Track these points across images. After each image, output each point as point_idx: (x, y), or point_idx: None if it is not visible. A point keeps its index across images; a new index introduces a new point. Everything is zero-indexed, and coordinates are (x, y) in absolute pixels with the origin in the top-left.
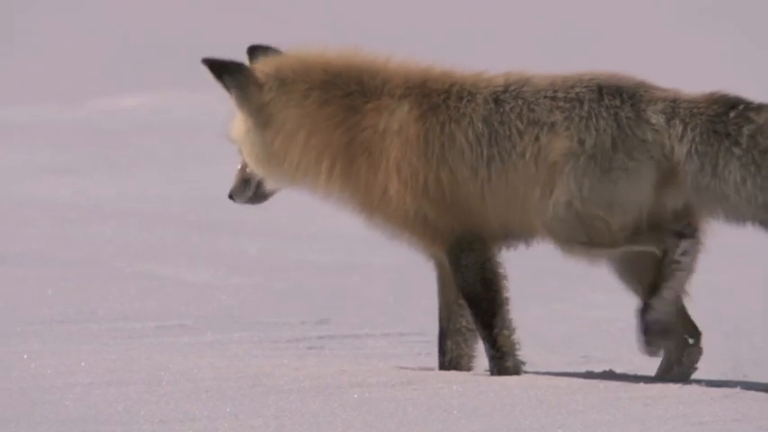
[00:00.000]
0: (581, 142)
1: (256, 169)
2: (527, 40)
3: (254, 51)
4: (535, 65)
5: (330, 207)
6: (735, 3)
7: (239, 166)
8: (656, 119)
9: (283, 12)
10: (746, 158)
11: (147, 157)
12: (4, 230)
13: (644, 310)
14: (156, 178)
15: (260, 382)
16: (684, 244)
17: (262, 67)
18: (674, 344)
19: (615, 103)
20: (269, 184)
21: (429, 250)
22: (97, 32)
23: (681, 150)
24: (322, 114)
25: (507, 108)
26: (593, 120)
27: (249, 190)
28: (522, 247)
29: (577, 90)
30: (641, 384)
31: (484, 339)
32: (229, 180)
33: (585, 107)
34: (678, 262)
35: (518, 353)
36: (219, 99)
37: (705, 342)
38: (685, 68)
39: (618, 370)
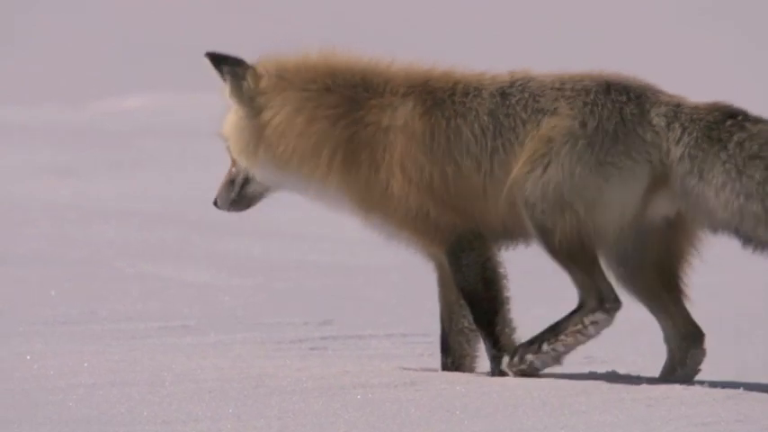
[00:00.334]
0: (583, 124)
1: (244, 159)
2: (527, 40)
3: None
4: (535, 65)
5: (322, 208)
6: (735, 3)
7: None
8: (658, 121)
9: (283, 12)
10: (730, 163)
11: (148, 157)
12: (6, 231)
13: (527, 347)
14: (157, 179)
15: (263, 383)
16: (599, 315)
17: (262, 63)
18: (676, 346)
19: (621, 98)
20: (257, 175)
21: (428, 250)
22: (98, 33)
23: (676, 153)
24: (324, 102)
25: (513, 101)
26: (598, 107)
27: (233, 191)
28: (524, 248)
29: (585, 83)
30: (644, 385)
31: (485, 339)
32: None
33: (591, 96)
34: (585, 327)
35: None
36: (221, 100)
37: (708, 343)
38: (685, 68)
39: (621, 371)
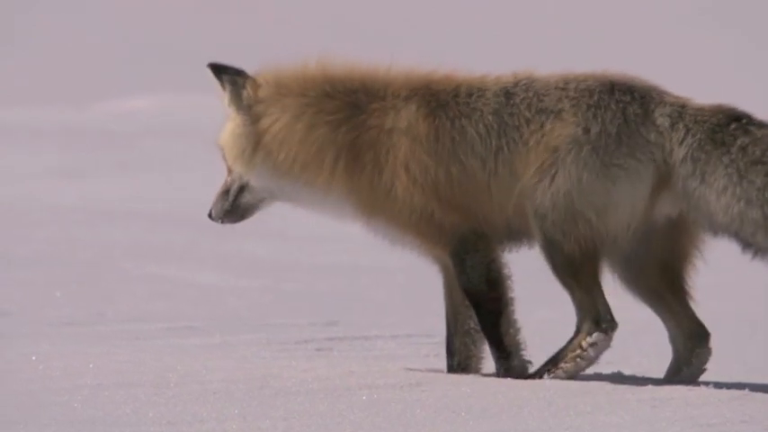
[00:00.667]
0: (586, 130)
1: (239, 165)
2: (527, 40)
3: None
4: (535, 65)
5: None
6: (735, 3)
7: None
8: (662, 121)
9: (284, 12)
10: (732, 167)
11: (154, 158)
12: (13, 233)
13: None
14: (163, 180)
15: (268, 384)
16: (598, 336)
17: (262, 73)
18: (682, 345)
19: (625, 98)
20: (253, 182)
21: (432, 252)
22: (100, 34)
23: (679, 154)
24: (324, 108)
25: (518, 100)
26: (601, 110)
27: (227, 201)
28: (528, 250)
29: (589, 83)
30: (649, 386)
31: (489, 340)
32: None
33: (595, 97)
34: (584, 350)
35: (523, 352)
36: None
37: (713, 344)
38: (685, 68)
39: (626, 372)
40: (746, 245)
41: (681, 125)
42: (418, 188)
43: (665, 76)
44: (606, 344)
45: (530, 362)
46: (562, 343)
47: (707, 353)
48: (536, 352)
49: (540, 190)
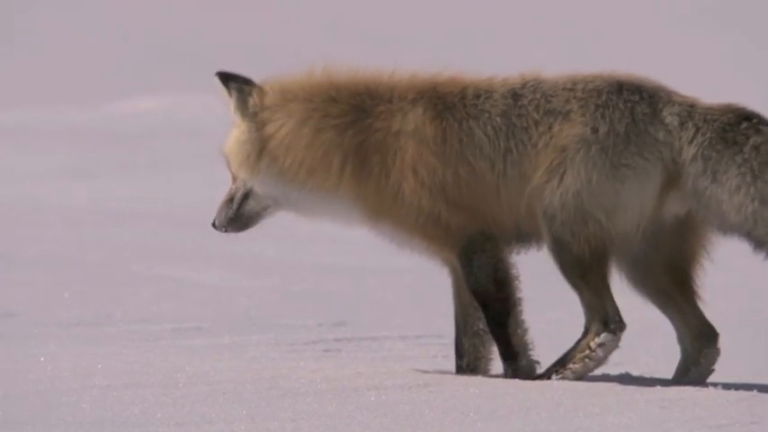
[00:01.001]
0: (594, 130)
1: (243, 171)
2: (527, 40)
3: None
4: (535, 65)
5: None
6: (735, 3)
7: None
8: (671, 120)
9: (284, 12)
10: (745, 167)
11: (162, 159)
12: (20, 234)
13: (547, 375)
14: (171, 181)
15: (276, 385)
16: (606, 336)
17: (269, 82)
18: (690, 346)
19: (634, 98)
20: (258, 189)
21: (440, 254)
22: (104, 35)
23: (688, 152)
24: (330, 112)
25: (525, 102)
26: (609, 109)
27: (231, 209)
28: (537, 251)
29: (597, 83)
30: (658, 387)
31: (497, 340)
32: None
33: (603, 97)
34: (592, 351)
35: (531, 353)
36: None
37: (721, 345)
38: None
39: (634, 373)
40: (759, 245)
41: (690, 124)
42: (426, 190)
43: (665, 76)
44: (614, 344)
45: (537, 362)
46: (571, 343)
47: (715, 353)
48: (545, 352)
49: (549, 190)
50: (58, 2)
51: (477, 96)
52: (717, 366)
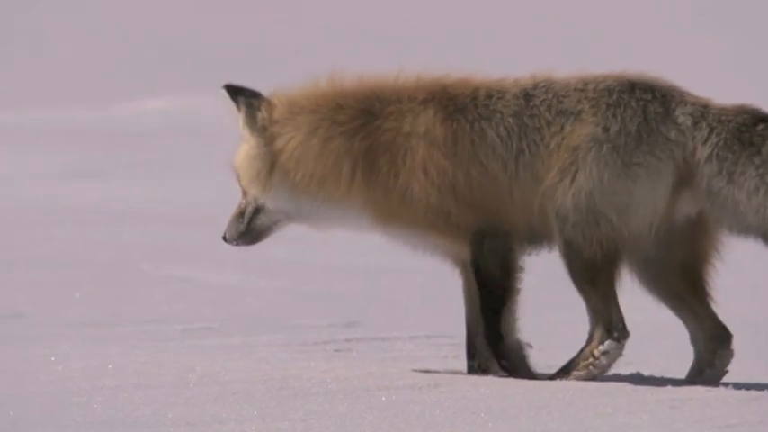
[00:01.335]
0: (606, 130)
1: (254, 187)
2: (527, 40)
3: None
4: (534, 65)
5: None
6: (735, 3)
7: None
8: (683, 120)
9: (284, 12)
10: (764, 168)
11: (173, 159)
12: (30, 234)
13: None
14: (182, 181)
15: (287, 385)
16: (610, 344)
17: (277, 95)
18: (704, 347)
19: (646, 96)
20: (269, 204)
21: (452, 248)
22: (110, 35)
23: (702, 152)
24: (338, 119)
25: (538, 102)
26: (621, 108)
27: (242, 223)
28: (548, 252)
29: (608, 83)
30: (668, 387)
31: (486, 322)
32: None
33: (614, 96)
34: (596, 359)
35: (520, 335)
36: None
37: (735, 344)
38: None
39: (645, 372)
40: None
41: (704, 124)
42: (435, 189)
43: (665, 76)
44: (618, 352)
45: (529, 344)
46: (582, 344)
47: (729, 354)
48: (556, 353)
49: (561, 190)
50: (59, 2)
51: (489, 97)
52: (728, 367)
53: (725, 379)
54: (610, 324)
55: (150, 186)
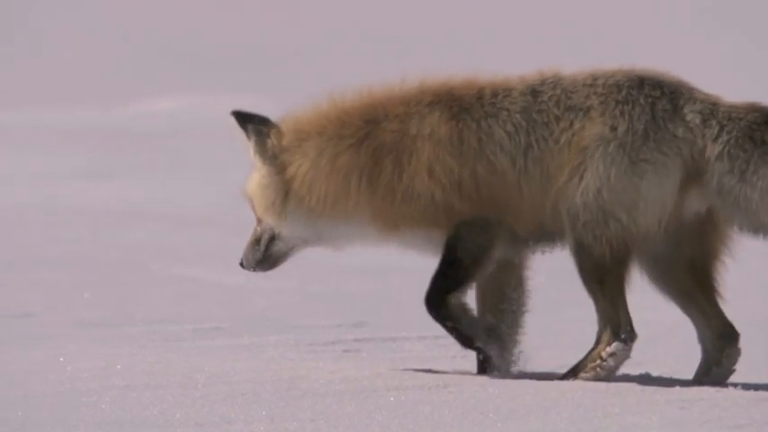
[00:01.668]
0: (613, 128)
1: (269, 216)
2: (527, 40)
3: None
4: (534, 65)
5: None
6: (735, 3)
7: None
8: (692, 117)
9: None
10: None
11: (182, 160)
12: (41, 234)
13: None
14: (191, 181)
15: (296, 386)
16: (617, 346)
17: (285, 121)
18: (711, 346)
19: (655, 93)
20: (285, 232)
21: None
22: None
23: (713, 150)
24: (344, 134)
25: (545, 98)
26: (629, 105)
27: (259, 251)
28: (560, 251)
29: (618, 78)
30: (677, 387)
31: (433, 286)
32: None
33: (623, 92)
34: (603, 360)
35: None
36: (256, 102)
37: (741, 344)
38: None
39: (654, 373)
40: None
41: (714, 122)
42: (439, 186)
43: None
44: (626, 354)
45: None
46: (591, 343)
47: (736, 353)
48: (565, 352)
49: (571, 188)
50: (59, 2)
51: (495, 95)
52: (736, 366)
53: (733, 379)
54: (618, 326)
55: (159, 187)
